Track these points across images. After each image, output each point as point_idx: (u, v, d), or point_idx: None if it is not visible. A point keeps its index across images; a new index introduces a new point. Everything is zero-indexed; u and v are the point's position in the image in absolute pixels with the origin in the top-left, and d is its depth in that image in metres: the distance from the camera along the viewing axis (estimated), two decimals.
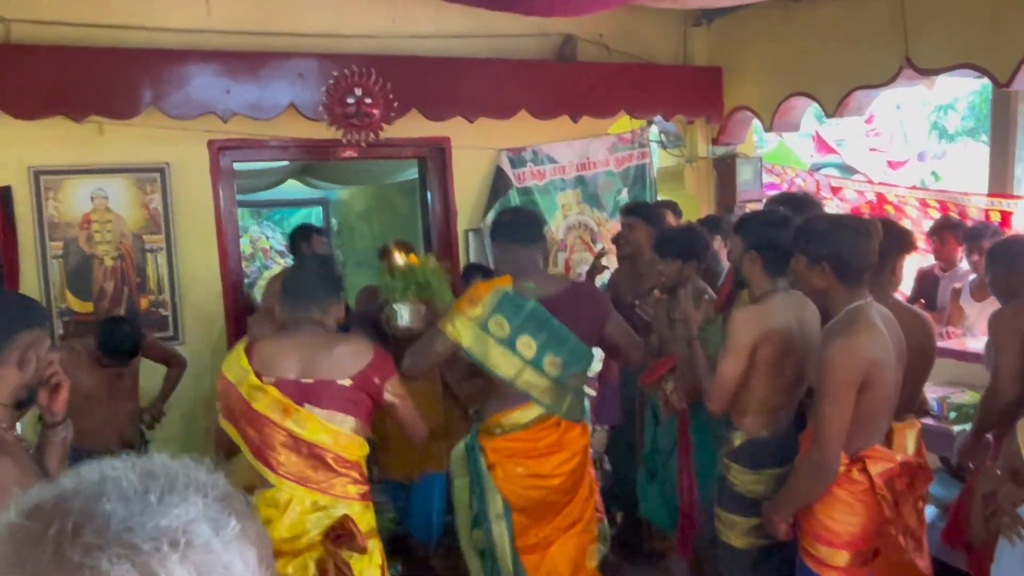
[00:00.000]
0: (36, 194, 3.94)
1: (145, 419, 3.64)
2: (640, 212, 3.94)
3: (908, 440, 2.67)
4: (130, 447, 3.57)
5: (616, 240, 4.28)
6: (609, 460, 4.43)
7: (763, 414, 2.62)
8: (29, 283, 3.95)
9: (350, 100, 4.02)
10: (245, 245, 8.68)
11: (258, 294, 8.64)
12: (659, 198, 5.29)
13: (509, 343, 2.69)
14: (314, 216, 9.26)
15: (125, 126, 3.89)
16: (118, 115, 3.81)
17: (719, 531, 2.69)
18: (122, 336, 3.33)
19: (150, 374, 3.77)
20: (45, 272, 3.98)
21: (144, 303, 4.18)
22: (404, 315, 3.05)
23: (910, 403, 2.74)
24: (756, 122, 5.08)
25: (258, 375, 2.35)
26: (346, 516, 2.32)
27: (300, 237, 4.63)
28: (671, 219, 4.34)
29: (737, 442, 2.63)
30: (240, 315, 4.43)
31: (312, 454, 2.33)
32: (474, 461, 2.82)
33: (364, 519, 2.39)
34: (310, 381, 2.35)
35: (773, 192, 5.05)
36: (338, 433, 2.35)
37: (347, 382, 2.37)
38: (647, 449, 3.47)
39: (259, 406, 2.33)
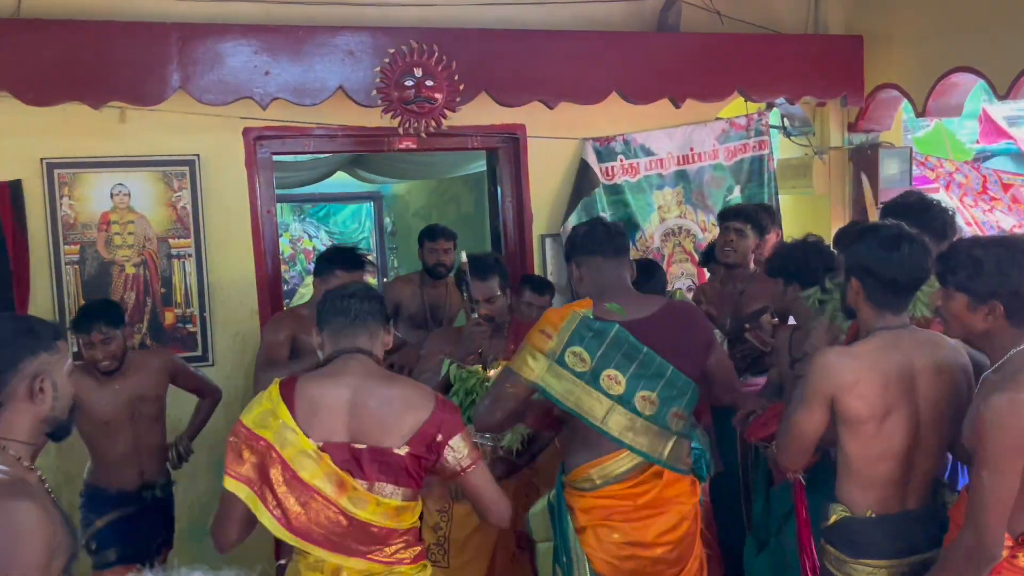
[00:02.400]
0: (49, 190, 4.04)
1: (171, 456, 3.75)
2: (751, 217, 4.11)
3: None
4: (151, 487, 3.68)
5: (708, 249, 4.35)
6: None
7: (867, 487, 2.47)
8: (41, 293, 4.05)
9: (409, 82, 4.00)
10: (284, 246, 8.89)
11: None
12: (780, 197, 5.22)
13: (592, 379, 2.62)
14: (364, 213, 9.37)
15: (150, 113, 3.96)
16: (142, 100, 3.85)
17: None
18: (92, 305, 3.60)
19: (177, 405, 3.86)
20: (59, 280, 4.09)
21: (169, 317, 4.26)
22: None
23: None
24: (906, 103, 4.88)
25: (305, 435, 2.28)
26: None
27: (424, 234, 4.92)
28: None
29: (832, 518, 2.50)
30: None
31: (365, 531, 2.31)
32: (561, 523, 2.78)
33: None
34: (362, 447, 2.30)
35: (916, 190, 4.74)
36: (392, 506, 2.33)
37: (403, 450, 2.32)
38: (756, 512, 3.39)
39: (308, 476, 2.26)
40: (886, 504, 2.45)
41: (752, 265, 4.13)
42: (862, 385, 2.38)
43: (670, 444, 2.68)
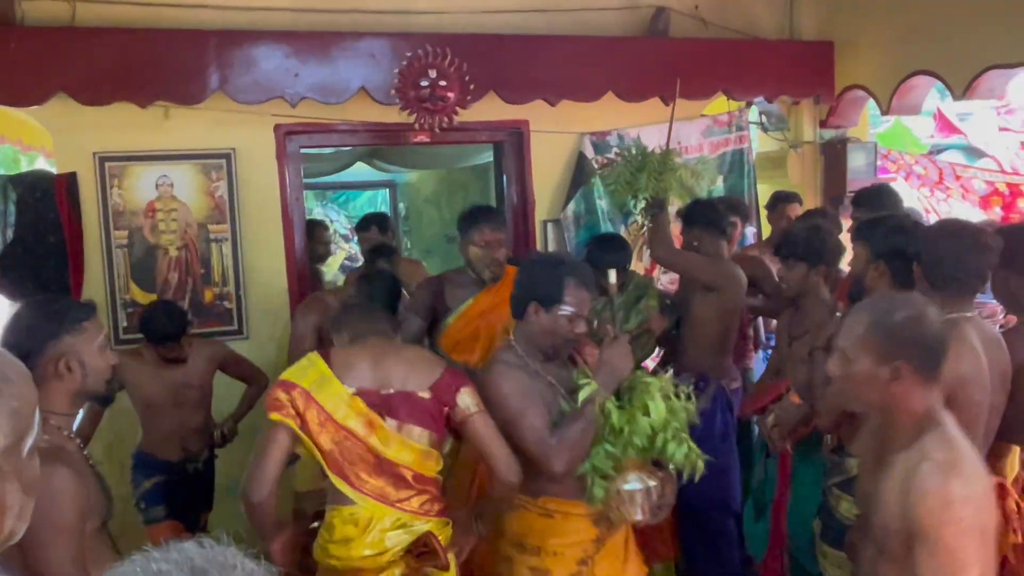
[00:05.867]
0: (101, 181, 4.06)
1: (216, 436, 3.75)
2: (740, 210, 4.23)
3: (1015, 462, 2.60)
4: (194, 460, 3.71)
5: None
6: None
7: None
8: (94, 273, 4.09)
9: (424, 83, 3.98)
10: None
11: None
12: (758, 187, 5.19)
13: None
14: (380, 199, 9.34)
15: (191, 111, 3.97)
16: (184, 99, 3.88)
17: (824, 569, 2.62)
18: (162, 317, 3.51)
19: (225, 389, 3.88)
20: (110, 262, 4.10)
21: (208, 295, 4.28)
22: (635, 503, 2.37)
23: None
24: (871, 102, 4.87)
25: (340, 383, 2.33)
26: (429, 533, 2.34)
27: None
28: (796, 211, 4.39)
29: (854, 471, 2.51)
30: None
31: (393, 473, 2.33)
32: None
33: (444, 534, 2.40)
34: (390, 392, 2.35)
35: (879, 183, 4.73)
36: (418, 450, 2.36)
37: (426, 394, 2.37)
38: (757, 479, 3.38)
39: (341, 417, 2.29)
40: None
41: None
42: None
43: None
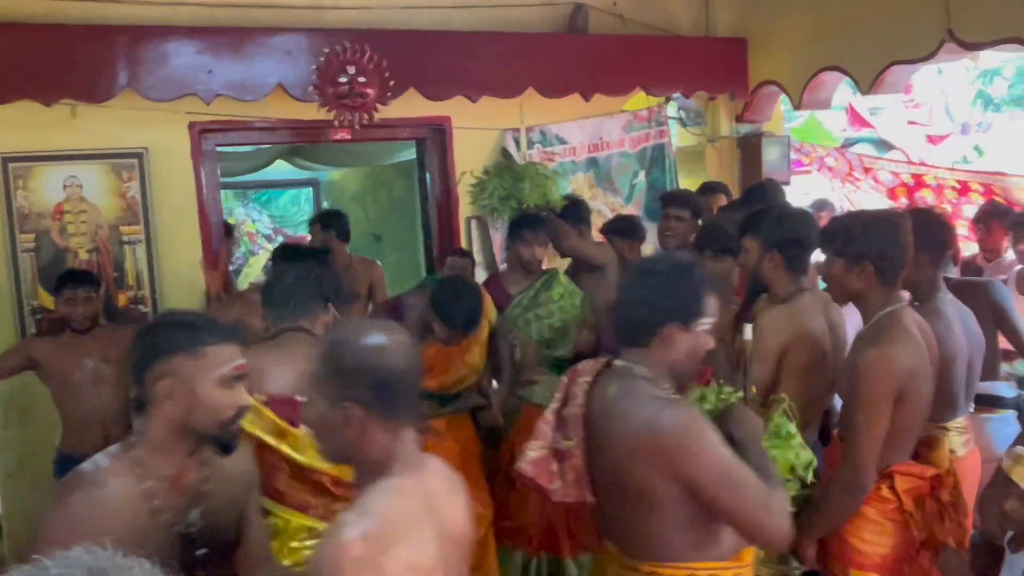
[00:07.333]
0: (4, 183, 3.96)
1: None
2: (690, 203, 4.12)
3: (956, 443, 2.64)
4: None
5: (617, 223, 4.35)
6: None
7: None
8: None
9: (342, 79, 3.97)
10: None
11: (244, 284, 8.65)
12: (679, 180, 5.30)
13: None
14: (304, 198, 9.24)
15: (99, 109, 3.89)
16: (92, 97, 3.79)
17: None
18: (79, 270, 3.71)
19: None
20: (15, 267, 4.01)
21: (122, 299, 4.21)
22: None
23: (966, 401, 2.74)
24: (784, 97, 5.03)
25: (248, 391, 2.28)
26: None
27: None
28: (721, 203, 4.44)
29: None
30: None
31: (310, 480, 2.30)
32: None
33: None
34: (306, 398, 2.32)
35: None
36: None
37: None
38: None
39: (250, 426, 2.20)
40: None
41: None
42: (805, 338, 2.50)
43: None
